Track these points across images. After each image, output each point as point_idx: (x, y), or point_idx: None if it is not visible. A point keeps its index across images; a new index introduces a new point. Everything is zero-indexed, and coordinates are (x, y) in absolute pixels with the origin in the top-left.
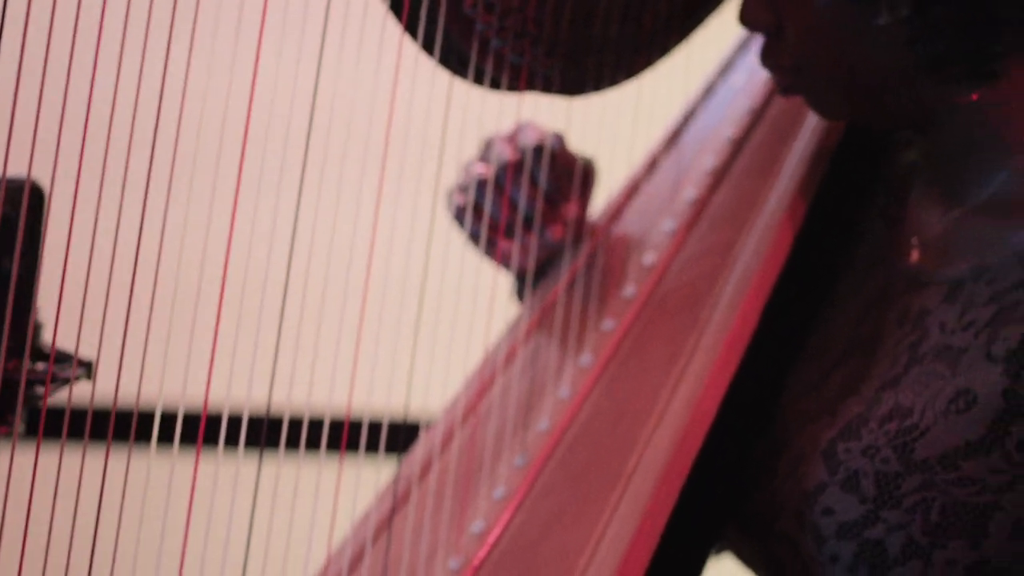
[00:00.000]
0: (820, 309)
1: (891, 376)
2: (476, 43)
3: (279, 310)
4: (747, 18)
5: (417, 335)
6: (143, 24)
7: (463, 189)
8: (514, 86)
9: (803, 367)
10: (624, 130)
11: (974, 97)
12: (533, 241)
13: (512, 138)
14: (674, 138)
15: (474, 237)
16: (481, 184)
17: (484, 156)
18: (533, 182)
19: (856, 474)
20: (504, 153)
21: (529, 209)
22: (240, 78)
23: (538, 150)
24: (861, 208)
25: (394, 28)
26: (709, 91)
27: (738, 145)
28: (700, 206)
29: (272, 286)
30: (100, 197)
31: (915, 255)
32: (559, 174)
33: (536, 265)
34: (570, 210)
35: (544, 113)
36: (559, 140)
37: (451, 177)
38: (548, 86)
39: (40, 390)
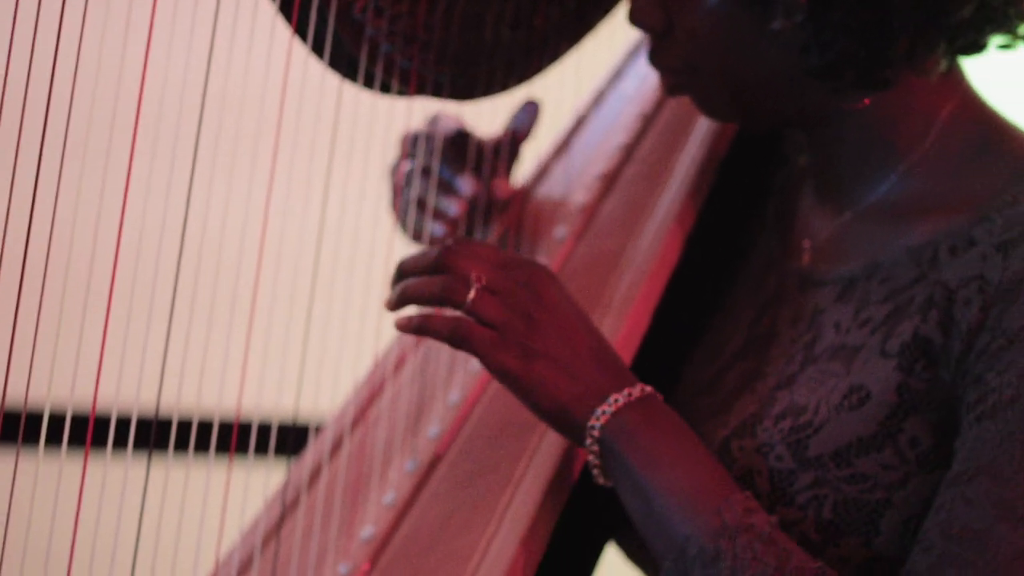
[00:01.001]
0: (716, 310)
1: (786, 375)
2: (366, 47)
3: (168, 311)
4: (637, 17)
5: (307, 338)
6: (32, 19)
7: (401, 183)
8: (404, 91)
9: (699, 366)
10: None
11: (864, 103)
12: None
13: (429, 127)
14: (564, 144)
15: (418, 204)
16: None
17: (406, 152)
18: (460, 160)
19: (750, 472)
20: (447, 127)
21: (454, 179)
22: (129, 76)
23: (460, 134)
24: (754, 211)
25: (284, 30)
26: (600, 97)
27: (628, 151)
28: (591, 212)
29: (161, 287)
30: None
31: (807, 257)
32: (482, 155)
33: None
34: (500, 186)
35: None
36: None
37: (341, 180)
38: (438, 91)
39: None
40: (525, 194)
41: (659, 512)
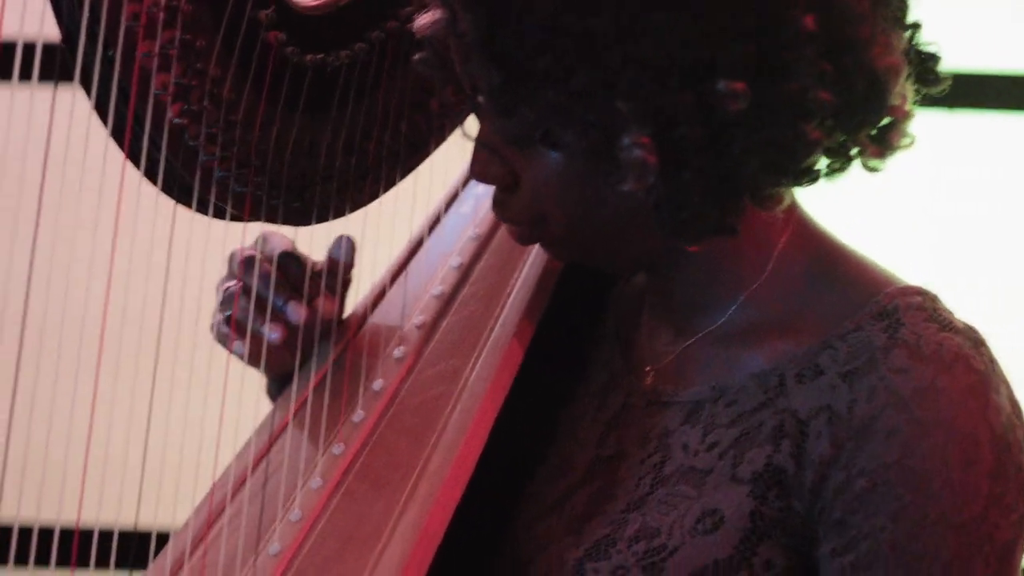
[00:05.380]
0: (558, 429)
1: (636, 496)
2: (199, 172)
3: (6, 421)
4: (479, 173)
5: (147, 449)
6: None
7: (225, 304)
8: (238, 216)
9: (543, 488)
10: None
11: (711, 247)
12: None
13: (257, 247)
14: (401, 268)
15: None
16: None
17: (231, 272)
18: (289, 283)
19: None
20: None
21: (284, 306)
22: None
23: (288, 254)
24: (593, 330)
25: (117, 153)
26: (436, 221)
27: (464, 271)
28: (428, 331)
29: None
30: None
31: (650, 380)
32: (308, 275)
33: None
34: (328, 308)
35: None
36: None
37: (179, 300)
38: (273, 216)
39: None
40: (363, 317)
41: None
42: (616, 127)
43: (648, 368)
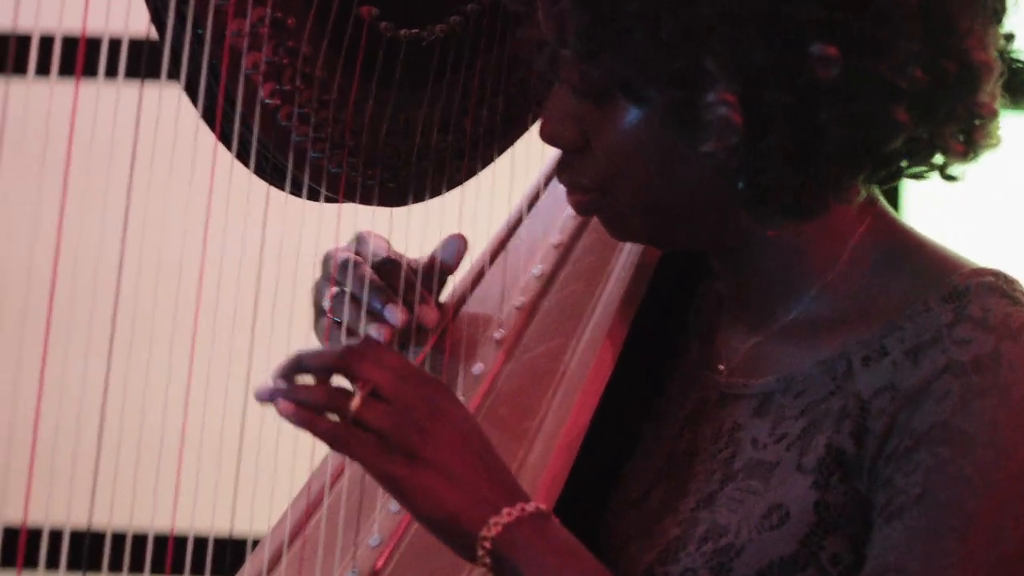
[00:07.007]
0: (646, 420)
1: (706, 493)
2: (292, 154)
3: (97, 427)
4: (550, 134)
5: (241, 453)
6: None
7: (326, 307)
8: (333, 198)
9: (629, 481)
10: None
11: (784, 230)
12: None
13: (355, 249)
14: (500, 247)
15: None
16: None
17: (326, 273)
18: (388, 286)
19: None
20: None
21: (383, 309)
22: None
23: (388, 261)
24: (680, 325)
25: (209, 136)
26: (535, 199)
27: (564, 251)
28: (528, 313)
29: (90, 401)
30: None
31: (724, 374)
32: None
33: None
34: (427, 314)
35: (365, 220)
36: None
37: (272, 290)
38: (368, 198)
39: None
40: (461, 298)
41: None
42: (701, 83)
43: (723, 362)
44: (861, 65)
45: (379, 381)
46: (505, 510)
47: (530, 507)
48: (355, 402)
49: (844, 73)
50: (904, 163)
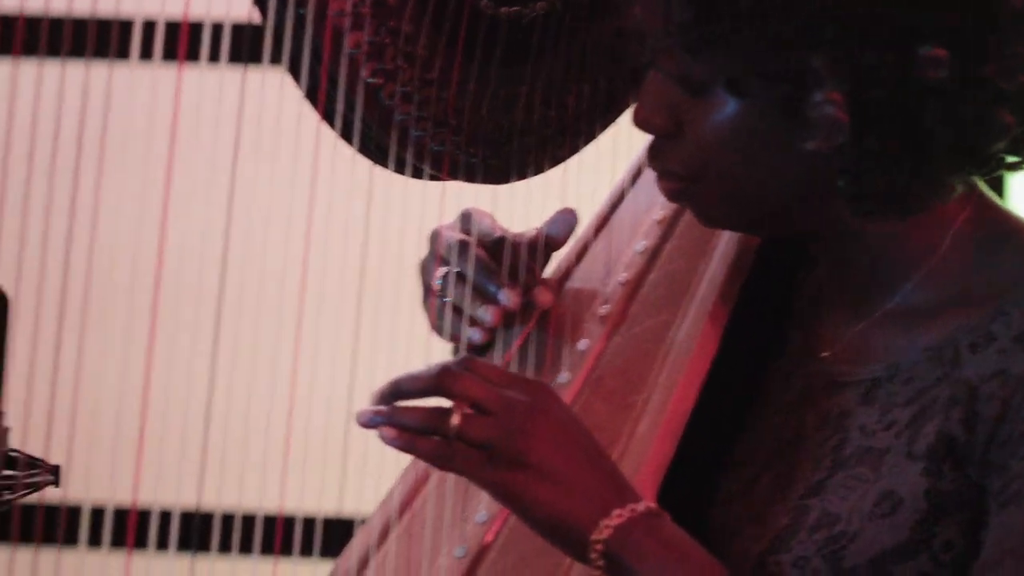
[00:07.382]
0: (749, 411)
1: (815, 481)
2: (395, 132)
3: (204, 409)
4: (642, 121)
5: (347, 435)
6: None
7: (441, 289)
8: (436, 176)
9: (734, 470)
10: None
11: (883, 226)
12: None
13: (462, 227)
14: (604, 222)
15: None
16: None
17: (432, 252)
18: (498, 270)
19: None
20: (482, 230)
21: (497, 291)
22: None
23: (500, 241)
24: (783, 313)
25: (311, 118)
26: (637, 174)
27: (668, 226)
28: (632, 288)
29: (196, 386)
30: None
31: (828, 361)
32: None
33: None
34: (543, 295)
35: (468, 198)
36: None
37: (377, 267)
38: (471, 175)
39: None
40: (566, 273)
41: None
42: (809, 81)
43: (826, 350)
44: (969, 68)
45: (478, 396)
46: (615, 512)
47: (640, 507)
48: (455, 419)
49: (951, 75)
50: (1005, 159)
